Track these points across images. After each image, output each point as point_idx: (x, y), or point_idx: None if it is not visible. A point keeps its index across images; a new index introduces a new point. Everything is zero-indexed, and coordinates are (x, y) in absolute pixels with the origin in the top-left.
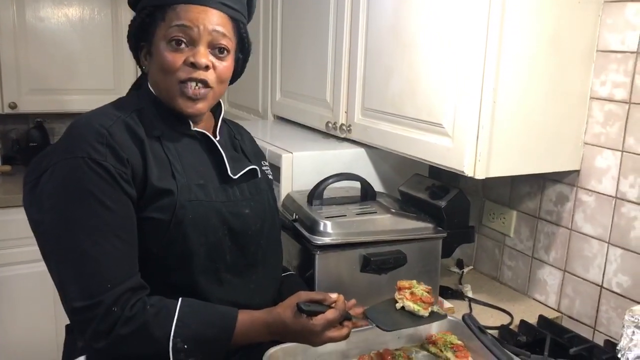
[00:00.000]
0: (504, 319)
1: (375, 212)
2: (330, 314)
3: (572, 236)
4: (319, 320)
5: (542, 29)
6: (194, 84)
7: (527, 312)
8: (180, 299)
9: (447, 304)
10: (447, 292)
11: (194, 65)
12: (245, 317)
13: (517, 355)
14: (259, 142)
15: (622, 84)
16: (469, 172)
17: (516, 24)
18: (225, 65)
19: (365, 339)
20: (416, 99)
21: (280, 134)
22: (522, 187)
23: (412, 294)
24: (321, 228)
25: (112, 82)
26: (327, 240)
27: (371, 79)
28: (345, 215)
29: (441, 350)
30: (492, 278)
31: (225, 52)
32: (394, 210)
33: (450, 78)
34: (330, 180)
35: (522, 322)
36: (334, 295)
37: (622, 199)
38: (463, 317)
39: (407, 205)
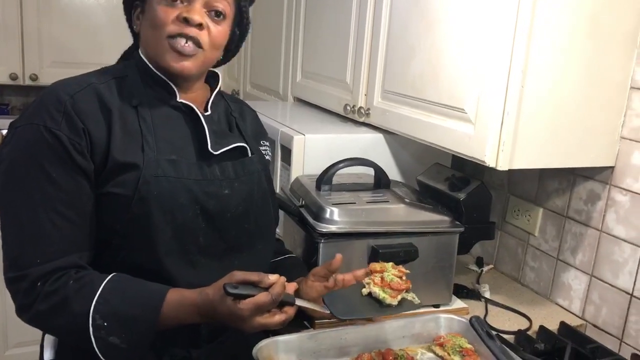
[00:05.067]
0: (522, 324)
1: (388, 202)
2: (260, 298)
3: (602, 238)
4: (246, 304)
5: (580, 9)
6: (183, 40)
7: (547, 318)
8: (111, 274)
9: (461, 303)
10: (462, 292)
11: (187, 21)
12: (175, 297)
13: None
14: (273, 123)
15: None
16: (490, 162)
17: (551, 1)
18: (220, 29)
19: (366, 336)
20: (438, 81)
21: (298, 116)
22: (550, 182)
23: (383, 279)
24: (327, 215)
25: None
26: (333, 228)
27: (393, 59)
28: (354, 203)
29: (449, 354)
30: (512, 279)
31: (222, 16)
32: (408, 201)
33: (475, 59)
34: (341, 165)
35: (542, 328)
36: (272, 277)
37: None
38: (470, 320)
39: (424, 196)
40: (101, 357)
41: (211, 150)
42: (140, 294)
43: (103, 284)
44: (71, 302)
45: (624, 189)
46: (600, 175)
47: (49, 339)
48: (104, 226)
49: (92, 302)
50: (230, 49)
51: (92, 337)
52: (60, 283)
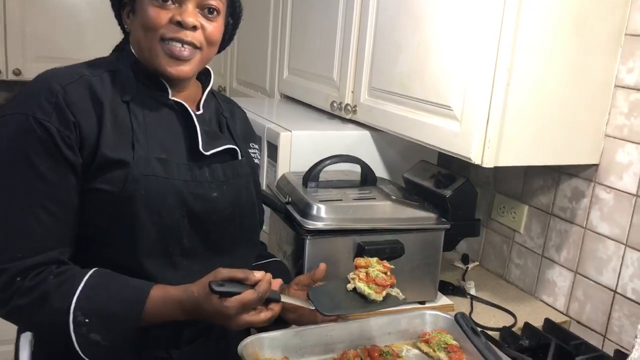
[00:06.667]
0: (507, 320)
1: (374, 199)
2: (246, 296)
3: (586, 235)
4: (232, 302)
5: (565, 8)
6: (179, 44)
7: (532, 315)
8: (93, 269)
9: (446, 300)
10: (448, 288)
11: (180, 25)
12: (158, 294)
13: None
14: (260, 120)
15: None
16: (476, 160)
17: (536, 0)
18: (215, 26)
19: (352, 333)
20: (425, 78)
21: (284, 113)
22: (535, 180)
23: (368, 274)
24: (314, 212)
25: None
26: (319, 225)
27: (380, 56)
28: (341, 200)
29: (434, 350)
30: (498, 276)
31: (215, 12)
32: (394, 198)
33: (461, 56)
34: (328, 162)
35: (527, 324)
36: (258, 274)
37: None
38: (455, 316)
39: (411, 193)
40: (81, 355)
41: (202, 151)
42: (124, 289)
43: (85, 280)
44: (51, 297)
45: (608, 186)
46: (584, 172)
47: (25, 339)
48: (88, 222)
49: (73, 297)
50: (225, 39)
51: (72, 333)
52: (40, 278)
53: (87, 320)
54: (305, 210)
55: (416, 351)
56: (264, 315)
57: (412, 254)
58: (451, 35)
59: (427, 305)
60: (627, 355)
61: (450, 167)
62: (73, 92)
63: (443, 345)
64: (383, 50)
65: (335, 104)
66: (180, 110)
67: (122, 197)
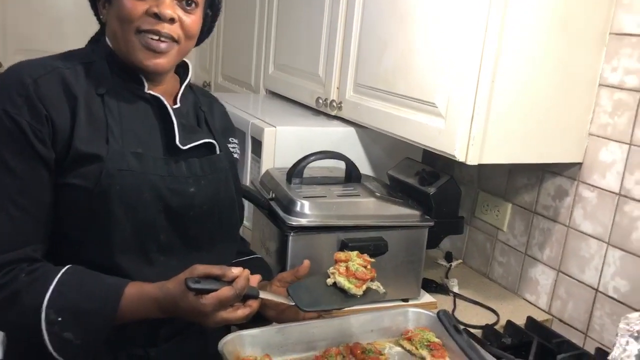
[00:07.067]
0: (489, 318)
1: (359, 195)
2: (223, 292)
3: (569, 234)
4: (209, 299)
5: (550, 6)
6: (156, 37)
7: (515, 313)
8: (66, 266)
9: (429, 298)
10: (432, 286)
11: (158, 17)
12: (134, 291)
13: (499, 358)
14: (244, 115)
15: (635, 70)
16: (460, 157)
17: None
18: (193, 18)
19: (334, 330)
20: (409, 75)
21: (269, 108)
22: (519, 178)
23: (348, 268)
24: (298, 208)
25: None
26: (303, 221)
27: (365, 52)
28: (325, 197)
29: (417, 348)
30: (481, 274)
31: (194, 5)
32: (378, 194)
33: (446, 53)
34: (312, 158)
35: (509, 322)
36: (236, 270)
37: (626, 197)
38: (438, 314)
39: (395, 190)
40: (54, 354)
41: (179, 145)
42: (98, 287)
43: (57, 277)
44: (22, 295)
45: (591, 185)
46: (568, 171)
47: None
48: (61, 218)
49: (45, 295)
50: (203, 31)
51: (44, 332)
52: (12, 276)
53: (59, 318)
54: (288, 206)
55: (399, 349)
56: (241, 312)
57: (396, 251)
58: (436, 32)
59: (410, 302)
60: (608, 353)
61: (435, 164)
62: (45, 85)
63: (425, 343)
64: (368, 46)
65: (320, 100)
66: (157, 104)
67: (97, 193)
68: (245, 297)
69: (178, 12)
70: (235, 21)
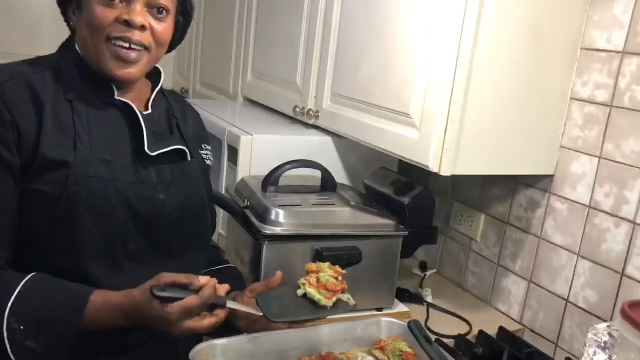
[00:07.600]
0: (462, 328)
1: (334, 205)
2: (189, 301)
3: (540, 245)
4: (174, 307)
5: (524, 20)
6: (126, 45)
7: (487, 323)
8: (31, 274)
9: (403, 307)
10: (405, 296)
11: (128, 24)
12: (99, 299)
13: None
14: (221, 123)
15: (604, 85)
16: (434, 168)
17: (496, 12)
18: (165, 26)
19: (307, 340)
20: (386, 86)
21: (247, 116)
22: (492, 189)
23: (319, 280)
24: (272, 217)
25: None
26: (277, 230)
27: (343, 62)
28: (300, 205)
29: (389, 358)
30: (455, 284)
31: (165, 12)
32: (354, 204)
33: (421, 64)
34: (288, 167)
35: (481, 332)
36: (203, 279)
37: (596, 209)
38: (409, 324)
39: (370, 200)
40: None
41: (148, 152)
42: (62, 295)
43: (21, 285)
44: None
45: (562, 197)
46: (540, 183)
47: None
48: (27, 225)
49: (7, 304)
50: (175, 39)
51: (6, 341)
52: None
53: (22, 327)
54: (263, 215)
55: (371, 358)
56: (207, 321)
57: (370, 261)
58: (412, 44)
59: (383, 312)
60: None
61: (411, 174)
62: (11, 90)
63: (398, 353)
64: (346, 57)
65: (298, 109)
66: (127, 110)
67: (63, 199)
68: (212, 306)
69: (149, 20)
70: (214, 28)
